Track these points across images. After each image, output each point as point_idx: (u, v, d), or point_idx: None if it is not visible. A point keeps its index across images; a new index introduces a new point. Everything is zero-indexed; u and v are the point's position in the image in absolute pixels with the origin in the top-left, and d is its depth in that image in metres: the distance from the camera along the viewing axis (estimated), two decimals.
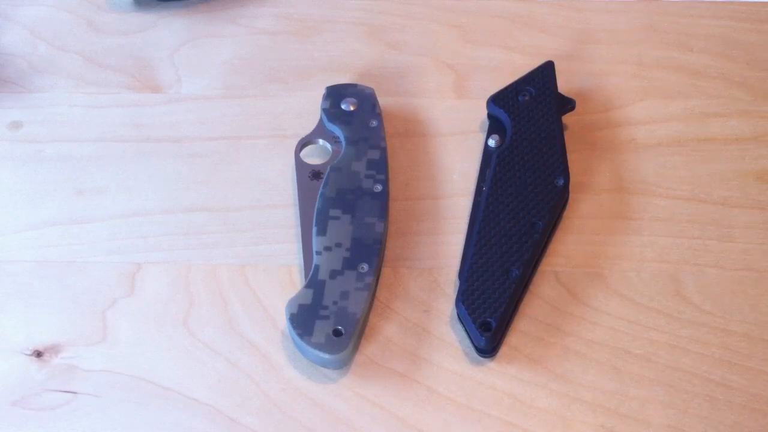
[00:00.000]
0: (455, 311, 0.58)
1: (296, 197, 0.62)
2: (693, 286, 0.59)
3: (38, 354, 0.57)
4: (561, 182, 0.60)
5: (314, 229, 0.59)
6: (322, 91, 0.65)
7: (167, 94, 0.67)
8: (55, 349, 0.57)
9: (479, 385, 0.56)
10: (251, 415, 0.55)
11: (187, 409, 0.55)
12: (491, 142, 0.63)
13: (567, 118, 0.65)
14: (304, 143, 0.63)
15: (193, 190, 0.63)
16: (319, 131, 0.64)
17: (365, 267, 0.58)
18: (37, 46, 0.70)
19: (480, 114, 0.65)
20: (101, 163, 0.64)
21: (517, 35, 0.70)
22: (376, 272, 0.58)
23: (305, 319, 0.56)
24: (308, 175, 0.62)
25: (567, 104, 0.64)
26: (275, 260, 0.60)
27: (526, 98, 0.64)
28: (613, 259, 0.60)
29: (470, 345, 0.57)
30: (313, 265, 0.58)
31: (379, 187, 0.60)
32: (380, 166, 0.61)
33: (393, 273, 0.60)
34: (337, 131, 0.63)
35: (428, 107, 0.66)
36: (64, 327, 0.58)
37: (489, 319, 0.56)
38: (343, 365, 0.56)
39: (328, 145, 0.63)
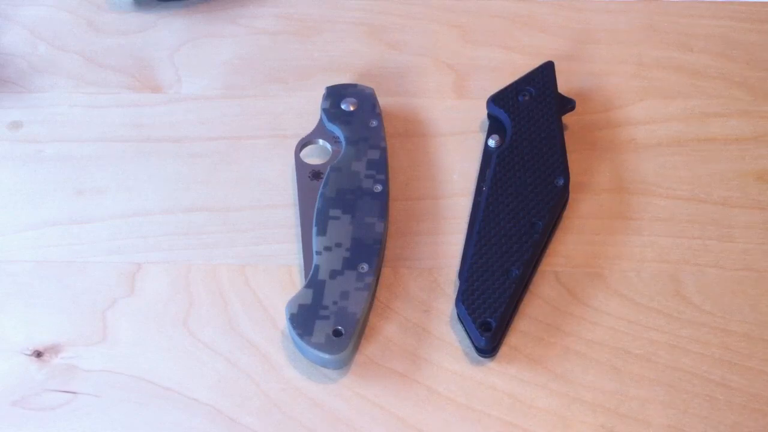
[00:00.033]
0: (455, 311, 0.58)
1: (296, 197, 0.62)
2: (693, 286, 0.59)
3: (38, 354, 0.57)
4: (561, 182, 0.60)
5: (314, 229, 0.59)
6: (322, 91, 0.65)
7: (167, 94, 0.67)
8: (55, 349, 0.57)
9: (479, 385, 0.56)
10: (251, 415, 0.55)
11: (187, 409, 0.55)
12: (491, 142, 0.63)
13: (567, 118, 0.65)
14: (304, 143, 0.63)
15: (193, 190, 0.63)
16: (319, 131, 0.64)
17: (365, 267, 0.58)
18: (37, 46, 0.70)
19: (480, 114, 0.65)
20: (101, 163, 0.64)
21: (517, 35, 0.70)
22: (376, 272, 0.58)
23: (305, 319, 0.56)
24: (308, 175, 0.62)
25: (567, 104, 0.64)
26: (275, 260, 0.60)
27: (526, 98, 0.64)
28: (613, 259, 0.60)
29: (470, 345, 0.57)
30: (313, 265, 0.58)
31: (379, 187, 0.60)
32: (380, 166, 0.61)
33: (393, 273, 0.60)
34: (337, 131, 0.63)
35: (428, 107, 0.66)
36: (64, 327, 0.58)
37: (489, 319, 0.56)
38: (343, 365, 0.56)
39: (328, 145, 0.63)
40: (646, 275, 0.59)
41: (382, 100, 0.65)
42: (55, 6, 0.71)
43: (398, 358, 0.57)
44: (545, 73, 0.65)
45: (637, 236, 0.61)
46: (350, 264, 0.58)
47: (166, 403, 0.56)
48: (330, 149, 0.63)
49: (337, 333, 0.55)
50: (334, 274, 0.57)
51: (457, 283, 0.59)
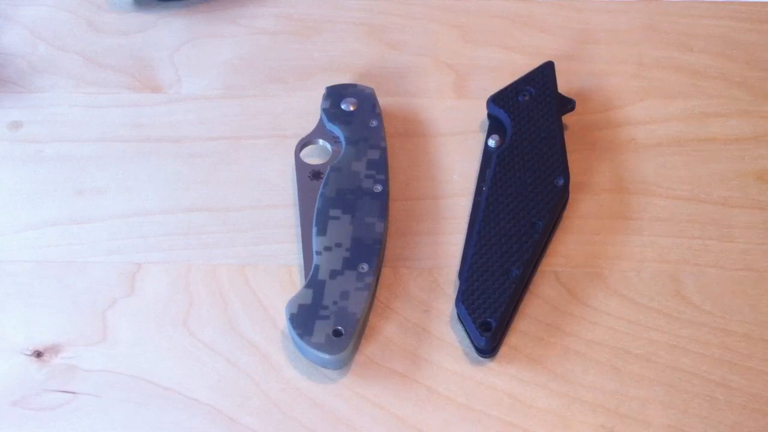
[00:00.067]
0: (455, 311, 0.58)
1: (296, 197, 0.62)
2: (693, 286, 0.59)
3: (38, 354, 0.57)
4: (561, 182, 0.60)
5: (314, 229, 0.59)
6: (322, 91, 0.65)
7: (167, 94, 0.67)
8: (55, 349, 0.57)
9: (479, 385, 0.56)
10: (251, 415, 0.55)
11: (187, 409, 0.55)
12: (491, 142, 0.63)
13: (567, 118, 0.65)
14: (304, 143, 0.63)
15: (193, 190, 0.63)
16: (319, 131, 0.64)
17: (365, 267, 0.58)
18: (37, 46, 0.70)
19: (480, 114, 0.65)
20: (101, 163, 0.64)
21: (517, 35, 0.70)
22: (376, 272, 0.58)
23: (305, 319, 0.56)
24: (308, 175, 0.62)
25: (567, 104, 0.64)
26: (275, 260, 0.60)
27: (526, 98, 0.64)
28: (613, 259, 0.60)
29: (470, 345, 0.57)
30: (313, 265, 0.58)
31: (379, 187, 0.60)
32: (380, 166, 0.61)
33: (393, 273, 0.60)
34: (337, 131, 0.63)
35: (428, 107, 0.66)
36: (64, 327, 0.58)
37: (489, 319, 0.56)
38: (343, 365, 0.56)
39: (328, 145, 0.63)
40: (646, 275, 0.59)
41: (382, 100, 0.65)
42: (55, 6, 0.71)
43: (398, 358, 0.57)
44: (545, 73, 0.65)
45: (637, 236, 0.61)
46: (350, 264, 0.58)
47: (166, 403, 0.56)
48: (330, 149, 0.63)
49: (337, 333, 0.55)
50: (334, 274, 0.57)
51: (457, 283, 0.59)
